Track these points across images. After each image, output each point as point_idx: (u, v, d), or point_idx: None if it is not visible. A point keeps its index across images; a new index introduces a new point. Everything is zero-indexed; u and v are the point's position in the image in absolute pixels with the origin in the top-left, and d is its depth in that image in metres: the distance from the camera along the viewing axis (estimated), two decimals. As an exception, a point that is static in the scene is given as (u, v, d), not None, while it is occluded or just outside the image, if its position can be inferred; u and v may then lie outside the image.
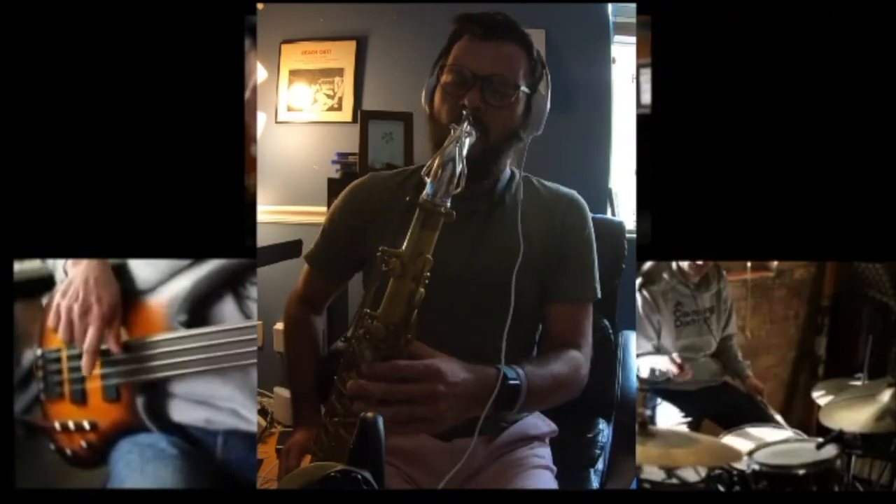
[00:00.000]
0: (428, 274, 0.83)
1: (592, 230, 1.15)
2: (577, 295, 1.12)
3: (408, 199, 0.88)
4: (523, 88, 1.05)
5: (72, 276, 1.03)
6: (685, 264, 1.69)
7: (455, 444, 1.03)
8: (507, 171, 1.14)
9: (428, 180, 0.81)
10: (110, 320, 1.01)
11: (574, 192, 1.18)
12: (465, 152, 0.84)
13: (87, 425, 1.06)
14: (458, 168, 0.81)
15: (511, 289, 1.02)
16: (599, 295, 1.14)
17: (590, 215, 1.16)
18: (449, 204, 0.82)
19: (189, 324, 1.03)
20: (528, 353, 1.14)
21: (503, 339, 0.98)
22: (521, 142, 1.10)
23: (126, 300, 1.04)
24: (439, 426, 0.83)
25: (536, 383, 0.94)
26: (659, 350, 1.67)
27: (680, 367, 1.55)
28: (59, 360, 1.08)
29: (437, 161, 0.81)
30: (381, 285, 0.85)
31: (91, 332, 1.00)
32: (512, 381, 0.90)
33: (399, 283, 0.82)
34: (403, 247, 0.82)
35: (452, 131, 0.88)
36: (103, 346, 1.02)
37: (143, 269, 1.06)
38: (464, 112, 0.98)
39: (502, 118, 1.04)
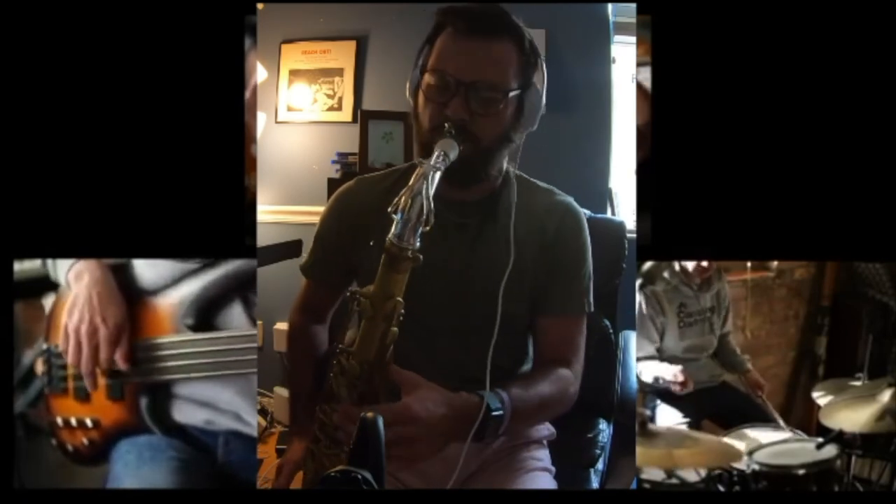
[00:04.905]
0: (403, 312, 0.81)
1: (588, 240, 1.09)
2: (567, 308, 1.07)
3: (371, 243, 0.84)
4: (513, 92, 0.96)
5: (76, 291, 1.02)
6: (690, 267, 1.68)
7: (448, 449, 1.01)
8: (501, 177, 1.07)
9: (395, 218, 0.78)
10: (117, 340, 1.01)
11: (570, 200, 1.10)
12: (433, 190, 0.80)
13: (89, 422, 1.06)
14: (426, 205, 0.78)
15: (498, 301, 0.97)
16: (592, 308, 1.08)
17: (585, 225, 1.09)
18: (418, 245, 0.79)
19: (196, 327, 1.02)
20: (520, 366, 1.10)
21: (488, 358, 0.92)
22: (514, 143, 1.03)
23: (134, 302, 1.04)
24: (419, 463, 0.83)
25: (521, 407, 0.92)
26: (662, 352, 1.67)
27: (682, 383, 1.56)
28: (65, 355, 1.08)
29: (404, 197, 0.78)
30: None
31: (100, 357, 1.00)
32: (495, 413, 0.88)
33: (370, 323, 0.81)
34: (372, 288, 0.80)
35: (419, 166, 0.82)
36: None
37: (150, 271, 1.05)
38: (445, 125, 0.91)
39: (491, 125, 0.96)
